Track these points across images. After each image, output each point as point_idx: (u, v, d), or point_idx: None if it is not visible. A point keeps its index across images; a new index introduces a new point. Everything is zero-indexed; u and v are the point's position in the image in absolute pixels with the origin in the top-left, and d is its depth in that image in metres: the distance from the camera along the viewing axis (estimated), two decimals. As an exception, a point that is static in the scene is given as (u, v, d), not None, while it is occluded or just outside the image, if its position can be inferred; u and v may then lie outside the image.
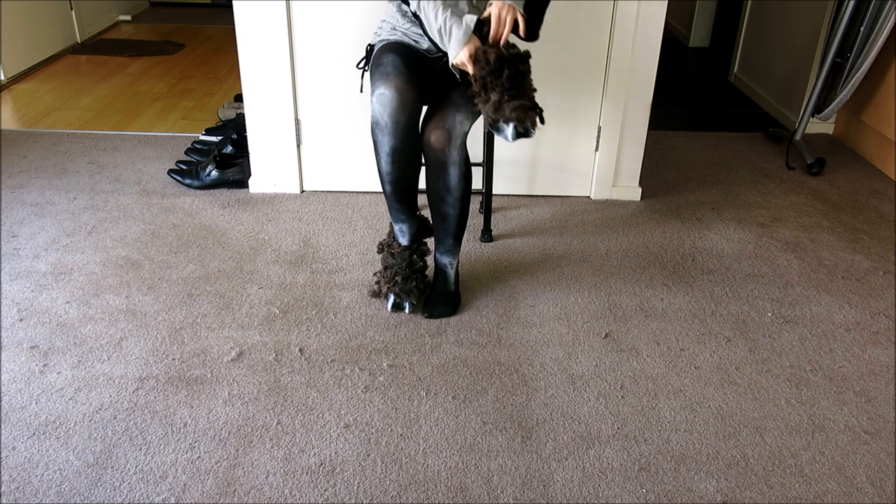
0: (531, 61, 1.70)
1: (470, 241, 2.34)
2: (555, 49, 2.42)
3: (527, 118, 1.63)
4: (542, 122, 1.69)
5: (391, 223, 1.97)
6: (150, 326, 1.90)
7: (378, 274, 2.02)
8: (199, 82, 3.88)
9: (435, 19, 1.68)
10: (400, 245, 1.97)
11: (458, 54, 1.66)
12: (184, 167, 2.70)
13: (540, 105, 1.69)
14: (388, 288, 1.97)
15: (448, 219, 1.89)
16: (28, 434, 1.55)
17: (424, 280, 2.02)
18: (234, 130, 2.86)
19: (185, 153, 2.89)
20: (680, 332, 1.94)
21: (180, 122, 3.29)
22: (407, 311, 1.97)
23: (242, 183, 2.65)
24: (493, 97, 1.64)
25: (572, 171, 2.63)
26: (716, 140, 3.26)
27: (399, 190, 1.85)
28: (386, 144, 1.75)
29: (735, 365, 1.82)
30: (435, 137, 1.75)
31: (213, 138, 2.97)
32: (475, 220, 2.46)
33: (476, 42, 1.66)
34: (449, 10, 1.67)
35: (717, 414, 1.66)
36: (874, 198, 2.73)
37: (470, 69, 1.66)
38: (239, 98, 3.32)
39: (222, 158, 2.66)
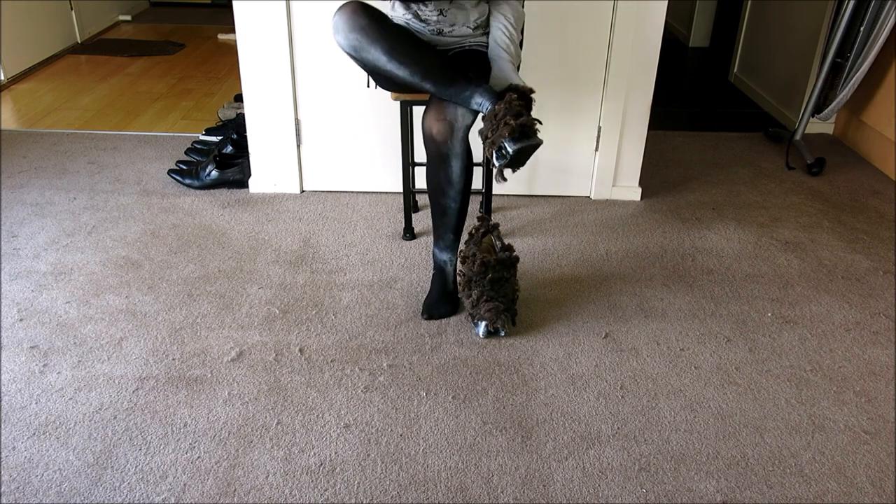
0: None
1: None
2: (555, 49, 2.42)
3: (498, 319, 1.83)
4: (514, 324, 1.90)
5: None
6: (150, 326, 1.90)
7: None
8: (199, 82, 3.88)
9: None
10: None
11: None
12: (184, 167, 2.70)
13: (515, 307, 1.90)
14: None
15: (448, 212, 1.88)
16: (28, 434, 1.55)
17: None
18: (234, 130, 2.86)
19: (185, 153, 2.89)
20: (680, 332, 1.94)
21: (180, 122, 3.29)
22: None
23: (242, 183, 2.65)
24: (474, 295, 1.85)
25: (572, 171, 2.63)
26: (716, 140, 3.26)
27: (421, 57, 1.70)
28: (367, 39, 1.67)
29: (735, 365, 1.82)
30: (437, 129, 1.74)
31: (213, 138, 2.97)
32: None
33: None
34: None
35: (717, 414, 1.66)
36: (874, 198, 2.73)
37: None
38: (239, 98, 3.33)
39: (222, 158, 2.66)
